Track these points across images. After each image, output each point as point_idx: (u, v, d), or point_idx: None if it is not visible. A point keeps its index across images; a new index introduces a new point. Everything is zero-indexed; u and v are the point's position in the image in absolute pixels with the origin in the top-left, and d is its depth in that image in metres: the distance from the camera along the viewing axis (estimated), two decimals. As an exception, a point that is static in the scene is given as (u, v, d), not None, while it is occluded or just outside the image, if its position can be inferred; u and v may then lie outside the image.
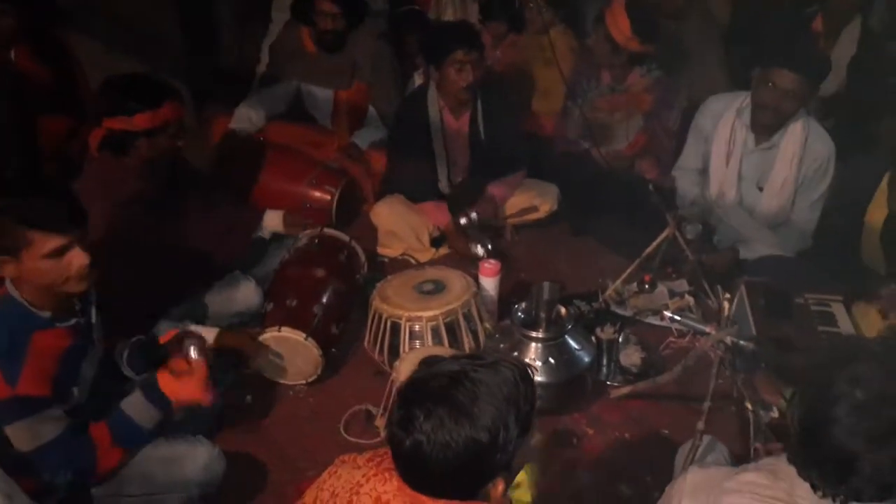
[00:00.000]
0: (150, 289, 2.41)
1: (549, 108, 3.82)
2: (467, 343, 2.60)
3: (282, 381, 2.63)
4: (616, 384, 2.60)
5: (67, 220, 1.76)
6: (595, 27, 3.52)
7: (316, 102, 3.80)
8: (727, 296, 2.20)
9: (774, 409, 2.23)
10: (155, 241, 2.46)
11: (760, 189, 3.01)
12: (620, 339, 2.68)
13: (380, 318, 2.62)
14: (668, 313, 2.32)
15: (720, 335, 2.04)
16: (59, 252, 1.75)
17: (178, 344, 2.13)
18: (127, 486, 1.98)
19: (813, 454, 1.28)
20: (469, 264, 3.03)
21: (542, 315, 2.52)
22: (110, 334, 2.12)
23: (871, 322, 2.63)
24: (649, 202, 2.76)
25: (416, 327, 2.56)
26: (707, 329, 2.11)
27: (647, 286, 2.94)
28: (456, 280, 2.71)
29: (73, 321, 1.88)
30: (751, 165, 3.00)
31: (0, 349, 1.76)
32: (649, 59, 3.45)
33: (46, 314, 1.82)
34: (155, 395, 1.95)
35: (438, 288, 2.67)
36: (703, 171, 3.16)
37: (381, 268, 3.24)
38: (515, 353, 2.47)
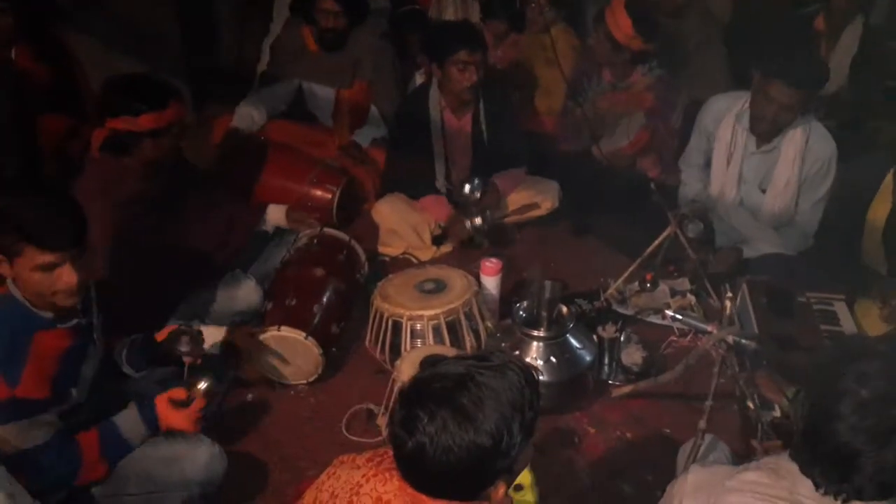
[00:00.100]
0: (151, 288, 2.40)
1: (550, 106, 3.82)
2: (469, 342, 2.59)
3: (283, 381, 2.62)
4: (617, 383, 2.60)
5: (63, 238, 1.72)
6: (595, 26, 3.52)
7: (317, 101, 3.80)
8: (729, 295, 2.19)
9: (776, 407, 2.23)
10: (156, 240, 2.46)
11: (763, 191, 3.00)
12: (622, 338, 2.67)
13: (381, 316, 2.62)
14: (669, 312, 2.31)
15: (722, 334, 2.03)
16: (49, 267, 1.73)
17: (174, 342, 2.13)
18: (128, 485, 1.97)
19: (816, 451, 1.28)
20: (470, 263, 3.02)
21: (544, 314, 2.52)
22: (112, 334, 2.12)
23: (873, 321, 2.62)
24: (651, 201, 2.75)
25: (418, 326, 2.56)
26: (709, 328, 2.11)
27: (648, 285, 2.94)
28: (457, 279, 2.71)
29: (74, 322, 1.88)
30: (752, 167, 2.99)
31: (2, 349, 1.75)
32: (651, 58, 3.45)
33: (48, 314, 1.82)
34: (148, 416, 1.97)
35: (440, 287, 2.67)
36: (706, 167, 3.15)
37: (383, 267, 3.23)
38: (517, 352, 2.46)
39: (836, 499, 1.27)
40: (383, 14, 4.08)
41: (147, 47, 3.64)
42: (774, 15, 3.84)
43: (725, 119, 3.00)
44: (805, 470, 1.30)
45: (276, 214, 2.89)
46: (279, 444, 2.41)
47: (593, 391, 2.57)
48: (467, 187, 3.22)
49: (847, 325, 2.61)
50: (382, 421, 2.41)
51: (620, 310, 2.89)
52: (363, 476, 1.34)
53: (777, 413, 2.21)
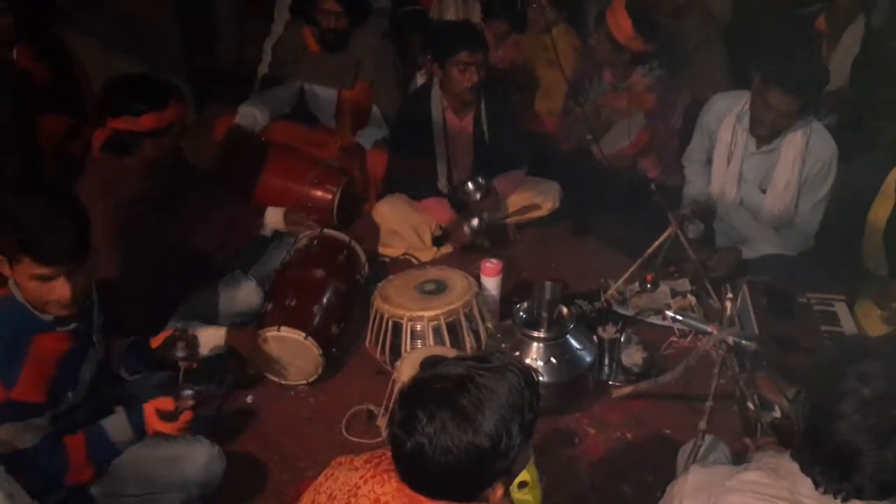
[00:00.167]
0: (151, 288, 2.40)
1: (551, 107, 3.82)
2: (469, 343, 2.59)
3: (282, 381, 2.62)
4: (618, 384, 2.60)
5: (58, 254, 1.71)
6: (596, 27, 3.52)
7: (319, 102, 3.80)
8: (729, 295, 2.19)
9: (776, 408, 2.23)
10: (156, 240, 2.46)
11: (763, 191, 3.00)
12: (622, 339, 2.67)
13: (381, 317, 2.62)
14: (669, 313, 2.31)
15: (722, 335, 2.03)
16: (45, 278, 1.72)
17: (170, 347, 2.12)
18: (126, 485, 1.97)
19: (817, 449, 1.28)
20: (471, 264, 3.02)
21: (544, 315, 2.52)
22: (113, 335, 2.12)
23: (873, 322, 2.62)
24: (651, 201, 2.75)
25: (418, 327, 2.56)
26: (709, 329, 2.11)
27: (648, 285, 2.94)
28: (457, 280, 2.71)
29: (73, 325, 1.87)
30: (752, 168, 2.99)
31: (0, 350, 1.75)
32: (651, 58, 3.45)
33: (48, 317, 1.81)
34: (136, 421, 1.96)
35: (440, 288, 2.67)
36: (708, 164, 3.15)
37: (383, 267, 3.23)
38: (517, 353, 2.46)
39: (835, 497, 1.27)
40: (384, 14, 4.08)
41: (147, 47, 3.64)
42: (775, 15, 3.83)
43: (726, 119, 2.99)
44: (805, 469, 1.30)
45: (274, 218, 2.88)
46: (279, 444, 2.41)
47: (593, 392, 2.56)
48: (470, 185, 3.20)
49: (847, 325, 2.60)
50: (382, 422, 2.40)
51: (621, 310, 2.89)
52: (361, 477, 1.34)
53: (777, 414, 2.21)
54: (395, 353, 2.59)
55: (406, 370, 2.27)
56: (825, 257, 2.98)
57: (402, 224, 3.30)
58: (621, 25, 3.33)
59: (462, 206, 3.29)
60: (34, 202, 1.73)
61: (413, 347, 2.54)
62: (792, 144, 2.88)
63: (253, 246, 2.89)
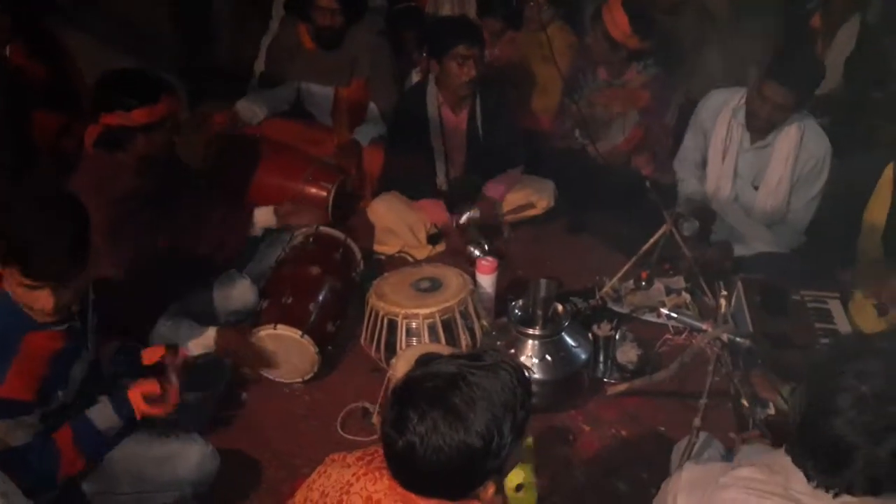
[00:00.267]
0: (145, 286, 2.40)
1: (546, 104, 3.82)
2: (464, 340, 2.59)
3: (278, 379, 2.62)
4: (613, 381, 2.60)
5: (45, 272, 1.69)
6: (592, 25, 3.51)
7: (315, 99, 3.79)
8: (724, 293, 2.20)
9: (770, 405, 2.23)
10: (150, 238, 2.45)
11: (756, 188, 3.00)
12: (617, 336, 2.67)
13: (376, 315, 2.62)
14: (664, 310, 2.32)
15: (717, 332, 2.04)
16: (30, 287, 1.71)
17: (159, 372, 2.07)
18: (120, 484, 1.97)
19: (811, 443, 1.28)
20: (466, 261, 3.02)
21: (539, 312, 2.52)
22: (107, 334, 2.11)
23: (867, 319, 2.63)
24: (646, 199, 2.75)
25: (413, 325, 2.55)
26: (703, 326, 2.11)
27: (643, 283, 2.95)
28: (453, 277, 2.71)
29: (66, 325, 1.86)
30: (746, 163, 3.00)
31: None
32: (646, 56, 3.45)
33: (46, 318, 1.80)
34: (122, 409, 1.92)
35: (435, 285, 2.67)
36: (702, 165, 3.16)
37: (378, 265, 3.23)
38: (512, 351, 2.47)
39: (827, 492, 1.28)
40: (379, 11, 4.07)
41: (143, 45, 3.63)
42: (770, 13, 3.83)
43: (722, 113, 3.00)
44: (798, 462, 1.31)
45: (263, 216, 2.82)
46: (274, 441, 2.41)
47: (588, 389, 2.57)
48: (464, 217, 3.21)
49: (841, 322, 2.61)
50: (378, 419, 2.41)
51: (616, 308, 2.89)
52: (353, 475, 1.34)
53: (771, 411, 2.22)
54: (391, 350, 2.59)
55: (401, 368, 2.27)
56: (819, 255, 2.99)
57: (397, 222, 3.30)
58: (618, 23, 3.33)
59: (457, 203, 3.29)
60: (30, 215, 1.70)
61: (408, 345, 2.54)
62: (786, 141, 2.89)
63: (247, 244, 2.88)
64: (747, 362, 2.33)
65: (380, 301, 2.61)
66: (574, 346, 2.51)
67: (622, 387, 2.46)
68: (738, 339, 2.04)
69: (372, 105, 3.76)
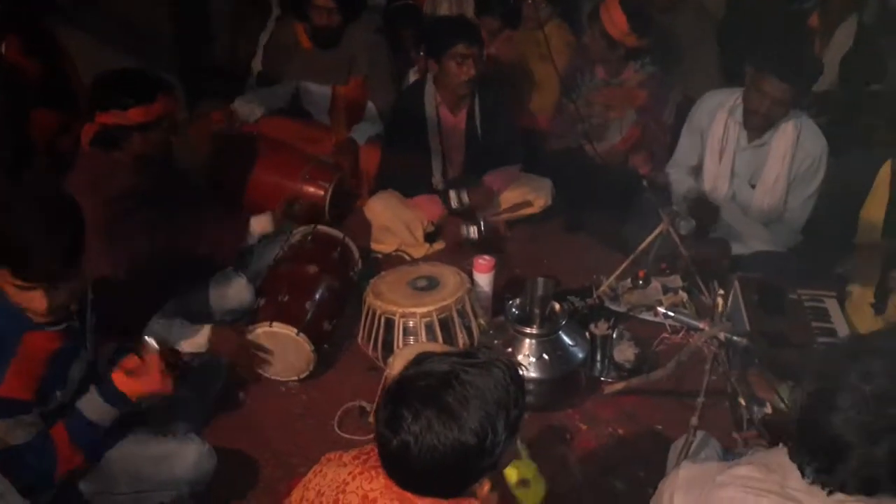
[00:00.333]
0: (143, 285, 2.39)
1: (543, 102, 3.82)
2: (461, 339, 2.59)
3: (274, 378, 2.62)
4: (610, 380, 2.60)
5: (36, 273, 1.67)
6: (590, 23, 3.51)
7: (313, 98, 3.79)
8: (721, 292, 2.20)
9: (767, 404, 2.24)
10: (147, 236, 2.44)
11: (753, 186, 3.01)
12: (614, 335, 2.68)
13: (374, 313, 2.62)
14: (661, 309, 2.31)
15: (714, 331, 2.04)
16: (22, 288, 1.70)
17: None
18: (117, 483, 1.97)
19: (808, 438, 1.28)
20: (463, 260, 3.02)
21: (536, 311, 2.52)
22: (105, 334, 2.10)
23: (863, 317, 2.64)
24: (643, 198, 2.75)
25: (410, 323, 2.55)
26: (701, 325, 2.11)
27: (640, 282, 2.95)
28: (450, 276, 2.71)
29: (64, 324, 1.85)
30: (743, 162, 3.00)
31: None
32: (644, 54, 3.45)
33: (41, 318, 1.79)
34: (110, 394, 1.88)
35: (432, 284, 2.67)
36: (698, 168, 3.16)
37: (376, 264, 3.23)
38: (509, 350, 2.46)
39: (822, 489, 1.28)
40: (377, 10, 4.07)
41: (140, 43, 3.62)
42: (768, 11, 3.84)
43: (719, 113, 3.01)
44: (794, 457, 1.31)
45: (260, 225, 2.78)
46: (271, 440, 2.41)
47: (585, 388, 2.57)
48: (451, 193, 3.20)
49: (838, 321, 2.62)
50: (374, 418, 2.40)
51: (613, 307, 2.89)
52: (349, 474, 1.34)
53: (769, 410, 2.22)
54: (388, 349, 2.59)
55: (398, 366, 2.25)
56: (816, 254, 2.99)
57: (394, 220, 3.29)
58: (616, 21, 3.32)
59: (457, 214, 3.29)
60: (21, 215, 1.68)
61: (405, 344, 2.54)
62: (783, 139, 2.90)
63: (241, 256, 2.87)
64: (744, 361, 2.33)
65: (377, 300, 2.61)
66: (571, 345, 2.51)
67: (619, 386, 2.46)
68: (735, 337, 2.04)
69: (370, 104, 3.76)
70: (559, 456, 2.36)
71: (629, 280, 2.95)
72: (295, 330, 2.50)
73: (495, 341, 2.53)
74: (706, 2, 3.97)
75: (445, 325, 2.57)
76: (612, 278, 2.87)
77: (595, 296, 2.89)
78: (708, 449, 1.99)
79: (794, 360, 2.40)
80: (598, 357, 2.65)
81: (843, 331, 2.58)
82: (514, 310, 2.56)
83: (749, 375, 2.28)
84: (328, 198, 3.41)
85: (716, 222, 3.00)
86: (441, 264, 2.85)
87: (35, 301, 1.72)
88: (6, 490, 1.70)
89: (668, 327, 2.79)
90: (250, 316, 2.62)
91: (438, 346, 2.46)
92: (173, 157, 2.66)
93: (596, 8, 3.45)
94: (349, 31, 3.64)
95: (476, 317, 2.67)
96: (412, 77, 3.79)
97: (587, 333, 2.62)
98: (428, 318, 2.54)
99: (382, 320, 2.59)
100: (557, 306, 2.56)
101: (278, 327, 2.50)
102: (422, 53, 3.48)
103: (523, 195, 3.41)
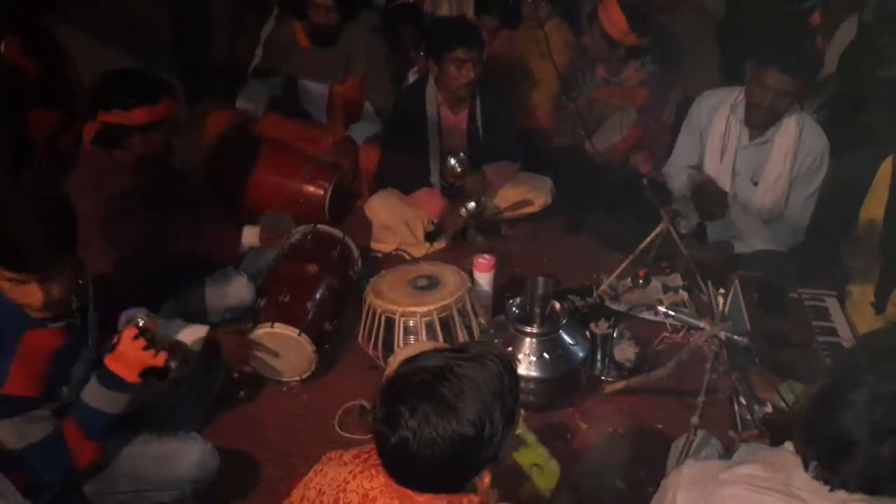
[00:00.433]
0: (140, 284, 2.39)
1: (543, 101, 3.81)
2: (462, 338, 2.59)
3: (275, 378, 2.62)
4: (610, 379, 2.60)
5: (27, 263, 1.67)
6: (589, 24, 3.51)
7: (311, 97, 3.79)
8: (721, 291, 2.20)
9: (768, 403, 2.24)
10: (147, 235, 2.44)
11: (755, 184, 3.01)
12: (614, 334, 2.68)
13: (374, 313, 2.62)
14: (662, 308, 2.31)
15: (714, 330, 2.04)
16: (16, 282, 1.69)
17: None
18: (119, 483, 1.97)
19: (816, 432, 1.28)
20: (463, 259, 3.02)
21: (537, 310, 2.52)
22: (108, 332, 2.10)
23: (864, 316, 2.64)
24: (643, 197, 2.75)
25: (411, 322, 2.56)
26: (701, 324, 2.11)
27: (641, 281, 2.95)
28: (450, 275, 2.71)
29: (64, 322, 1.85)
30: (745, 160, 3.00)
31: None
32: (644, 53, 3.45)
33: (38, 313, 1.79)
34: (108, 379, 1.87)
35: (433, 283, 2.67)
36: (697, 168, 3.15)
37: (376, 263, 3.23)
38: (510, 349, 2.46)
39: (824, 485, 1.28)
40: (376, 8, 4.07)
41: (140, 43, 3.62)
42: (769, 10, 3.84)
43: (719, 111, 3.01)
44: (800, 449, 1.31)
45: (247, 238, 2.75)
46: (272, 440, 2.41)
47: (586, 387, 2.57)
48: (452, 160, 3.14)
49: (839, 320, 2.62)
50: (374, 418, 2.40)
51: (613, 306, 2.90)
52: (350, 473, 1.35)
53: (769, 409, 2.22)
54: (388, 348, 2.59)
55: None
56: (816, 253, 2.99)
57: (394, 219, 3.29)
58: (615, 21, 3.33)
59: (454, 196, 3.28)
60: (9, 206, 1.68)
61: (406, 343, 2.54)
62: (785, 136, 2.90)
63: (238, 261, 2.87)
64: (745, 362, 2.33)
65: (377, 299, 2.61)
66: (571, 344, 2.51)
67: (619, 385, 2.46)
68: (735, 337, 2.04)
69: (367, 103, 3.76)
70: (559, 454, 2.35)
71: (629, 279, 2.95)
72: (296, 330, 2.50)
73: (496, 340, 2.52)
74: (706, 1, 3.97)
75: (446, 324, 2.57)
76: (612, 277, 2.87)
77: (595, 295, 2.89)
78: (708, 448, 1.99)
79: (794, 359, 2.41)
80: (599, 356, 2.65)
81: (843, 330, 2.58)
82: (514, 309, 2.56)
83: (749, 374, 2.28)
84: (328, 197, 3.41)
85: (727, 208, 2.95)
86: (441, 263, 2.85)
87: (30, 295, 1.71)
88: (8, 491, 1.70)
89: (668, 326, 2.79)
90: (251, 316, 2.62)
91: (439, 346, 2.46)
92: (174, 156, 2.66)
93: (595, 8, 3.45)
94: (347, 30, 3.64)
95: (476, 316, 2.67)
96: (412, 77, 3.79)
97: (587, 332, 2.62)
98: (428, 318, 2.54)
99: (383, 319, 2.59)
100: (558, 305, 2.56)
101: (280, 328, 2.50)
102: (422, 53, 3.48)
103: (523, 194, 3.41)
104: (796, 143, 2.89)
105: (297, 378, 2.62)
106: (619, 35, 3.33)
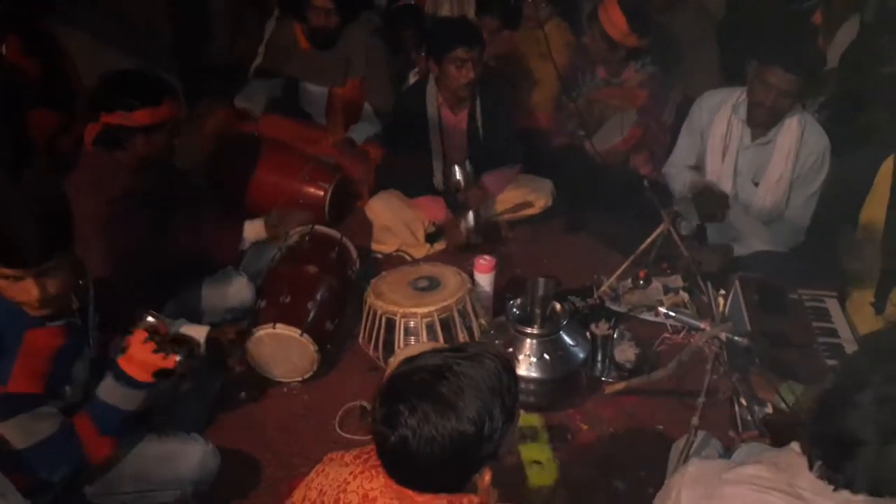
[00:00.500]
0: (141, 284, 2.39)
1: (543, 101, 3.82)
2: (462, 339, 2.59)
3: (276, 378, 2.62)
4: (610, 380, 2.60)
5: (21, 258, 1.66)
6: (589, 25, 3.52)
7: (311, 98, 3.79)
8: (722, 292, 2.20)
9: (768, 404, 2.24)
10: (146, 237, 2.45)
11: (756, 184, 3.01)
12: (615, 335, 2.68)
13: (375, 314, 2.62)
14: (662, 309, 2.32)
15: (714, 331, 2.04)
16: (12, 278, 1.69)
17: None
18: (120, 483, 1.97)
19: (822, 431, 1.29)
20: (464, 260, 3.02)
21: (537, 311, 2.52)
22: (109, 332, 2.10)
23: (864, 317, 2.64)
24: (644, 198, 2.76)
25: (411, 323, 2.56)
26: (701, 325, 2.11)
27: (641, 282, 2.95)
28: (451, 276, 2.71)
29: (64, 320, 1.85)
30: (746, 161, 3.00)
31: None
32: (644, 54, 3.46)
33: (35, 311, 1.79)
34: (120, 376, 1.88)
35: (433, 284, 2.67)
36: (697, 169, 3.16)
37: (376, 264, 3.23)
38: (510, 350, 2.47)
39: (828, 484, 1.28)
40: (377, 10, 4.07)
41: (140, 43, 3.62)
42: (769, 10, 3.84)
43: (721, 111, 3.01)
44: (805, 448, 1.31)
45: (253, 231, 2.78)
46: (273, 441, 2.41)
47: (586, 388, 2.57)
48: (456, 170, 3.17)
49: (839, 321, 2.62)
50: (375, 418, 2.40)
51: (613, 307, 2.90)
52: (350, 473, 1.35)
53: (769, 410, 2.22)
54: (389, 349, 2.59)
55: (399, 367, 2.27)
56: (816, 253, 2.99)
57: (394, 220, 3.30)
58: (615, 22, 3.33)
59: (456, 207, 3.28)
60: (6, 204, 1.68)
61: (407, 344, 2.54)
62: (787, 136, 2.90)
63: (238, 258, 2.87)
64: (745, 361, 2.33)
65: (378, 300, 2.61)
66: (572, 345, 2.51)
67: (620, 386, 2.46)
68: (736, 337, 2.04)
69: (367, 104, 3.76)
70: (560, 456, 2.36)
71: (630, 280, 2.95)
72: (298, 331, 2.50)
73: (496, 341, 2.53)
74: (706, 1, 3.97)
75: (447, 325, 2.57)
76: (612, 278, 2.87)
77: (596, 296, 2.89)
78: (709, 449, 1.99)
79: (794, 360, 2.41)
80: (599, 357, 2.65)
81: (843, 331, 2.58)
82: (515, 310, 2.56)
83: (750, 375, 2.28)
84: (328, 198, 3.41)
85: (728, 208, 2.96)
86: (442, 264, 2.85)
87: (27, 292, 1.71)
88: (7, 490, 1.70)
89: (668, 327, 2.79)
90: (252, 317, 2.62)
91: (439, 346, 2.46)
92: (174, 157, 2.66)
93: (595, 9, 3.45)
94: (347, 33, 3.64)
95: (477, 317, 2.67)
96: (413, 78, 3.79)
97: (588, 333, 2.62)
98: (429, 319, 2.54)
99: (383, 320, 2.59)
100: (558, 306, 2.56)
101: (281, 328, 2.50)
102: (423, 54, 3.48)
103: (524, 195, 3.41)
104: (798, 143, 2.90)
105: (299, 378, 2.62)
106: (619, 36, 3.34)
